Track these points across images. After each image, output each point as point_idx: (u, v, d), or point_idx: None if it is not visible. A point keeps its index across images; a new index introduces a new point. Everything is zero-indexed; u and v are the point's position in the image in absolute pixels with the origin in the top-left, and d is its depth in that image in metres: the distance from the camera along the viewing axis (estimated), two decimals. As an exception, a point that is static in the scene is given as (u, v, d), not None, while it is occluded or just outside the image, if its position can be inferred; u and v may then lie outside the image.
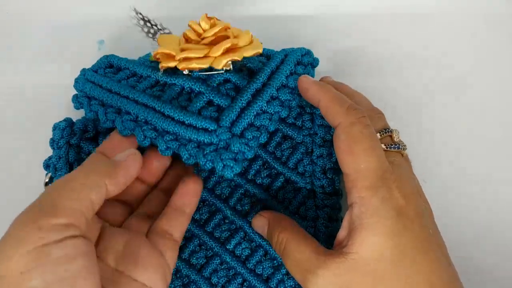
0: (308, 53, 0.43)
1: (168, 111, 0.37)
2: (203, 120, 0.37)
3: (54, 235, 0.25)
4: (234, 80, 0.40)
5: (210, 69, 0.40)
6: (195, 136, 0.36)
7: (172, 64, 0.40)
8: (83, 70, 0.42)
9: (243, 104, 0.38)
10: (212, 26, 0.41)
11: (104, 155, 0.35)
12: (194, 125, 0.37)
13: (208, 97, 0.39)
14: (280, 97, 0.39)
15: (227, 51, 0.40)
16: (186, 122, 0.37)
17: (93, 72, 0.41)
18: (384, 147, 0.37)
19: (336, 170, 0.43)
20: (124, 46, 0.51)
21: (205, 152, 0.35)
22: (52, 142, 0.41)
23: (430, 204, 0.37)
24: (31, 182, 0.42)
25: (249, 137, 0.37)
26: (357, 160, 0.33)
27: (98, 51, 0.52)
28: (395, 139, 0.38)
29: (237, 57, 0.40)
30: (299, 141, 0.44)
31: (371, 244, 0.32)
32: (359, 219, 0.32)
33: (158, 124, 0.37)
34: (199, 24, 0.41)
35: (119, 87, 0.40)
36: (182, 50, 0.40)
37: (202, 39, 0.41)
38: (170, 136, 0.37)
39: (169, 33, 0.46)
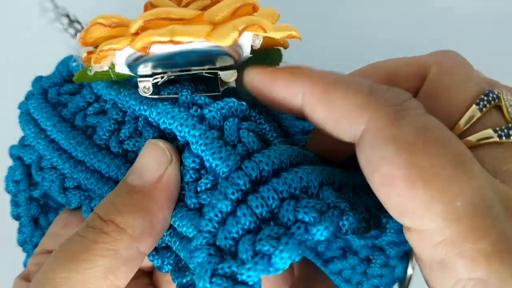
0: None
1: None
2: (186, 222, 0.21)
3: None
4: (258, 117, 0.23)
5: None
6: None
7: (119, 44, 0.18)
8: (36, 81, 0.30)
9: (261, 173, 0.19)
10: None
11: None
12: (177, 230, 0.22)
13: (195, 155, 0.21)
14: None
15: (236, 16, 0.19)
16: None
17: (40, 98, 0.28)
18: (495, 135, 0.20)
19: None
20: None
21: None
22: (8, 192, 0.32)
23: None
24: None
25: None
26: (439, 196, 0.16)
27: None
28: (509, 112, 0.21)
29: (261, 30, 0.19)
30: (353, 248, 0.29)
31: None
32: None
33: None
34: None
35: (65, 136, 0.26)
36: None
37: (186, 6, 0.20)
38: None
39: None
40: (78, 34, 0.23)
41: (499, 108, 0.21)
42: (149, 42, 0.18)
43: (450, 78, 0.21)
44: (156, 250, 0.22)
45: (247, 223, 0.18)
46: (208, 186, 0.20)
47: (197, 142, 0.20)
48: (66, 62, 0.29)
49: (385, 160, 0.17)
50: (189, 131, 0.21)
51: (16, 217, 0.32)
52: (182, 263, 0.22)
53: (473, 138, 0.20)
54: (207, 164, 0.20)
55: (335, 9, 0.46)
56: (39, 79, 0.30)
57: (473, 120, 0.20)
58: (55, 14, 0.24)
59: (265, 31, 0.19)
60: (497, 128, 0.20)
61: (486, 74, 0.23)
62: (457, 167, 0.16)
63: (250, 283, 0.17)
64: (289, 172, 0.19)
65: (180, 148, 0.22)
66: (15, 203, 0.32)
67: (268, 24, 0.19)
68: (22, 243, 0.32)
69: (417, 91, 0.22)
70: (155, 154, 0.21)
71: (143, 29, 0.18)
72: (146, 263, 0.24)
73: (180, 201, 0.21)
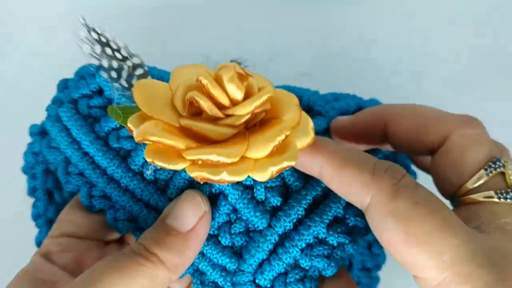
0: None
1: None
2: (221, 255, 0.27)
3: None
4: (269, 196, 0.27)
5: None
6: (210, 272, 0.28)
7: (176, 167, 0.21)
8: (61, 84, 0.30)
9: (285, 229, 0.27)
10: (248, 92, 0.23)
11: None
12: (208, 256, 0.28)
13: (231, 204, 0.27)
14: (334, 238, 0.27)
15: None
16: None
17: (72, 108, 0.29)
18: (495, 196, 0.25)
19: None
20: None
21: None
22: (26, 167, 0.32)
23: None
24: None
25: None
26: (430, 254, 0.22)
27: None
28: (511, 178, 0.26)
29: (291, 160, 0.22)
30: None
31: None
32: None
33: None
34: (223, 88, 0.22)
35: (102, 155, 0.28)
36: (191, 136, 0.22)
37: (227, 116, 0.23)
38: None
39: (144, 72, 0.25)
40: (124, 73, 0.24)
41: (503, 174, 0.25)
42: (202, 178, 0.21)
43: (467, 143, 0.26)
44: None
45: (279, 269, 0.26)
46: (241, 230, 0.27)
47: (236, 199, 0.26)
48: (91, 72, 0.28)
49: (388, 229, 0.23)
50: (229, 189, 0.26)
51: (32, 190, 0.32)
52: (202, 278, 0.29)
53: (478, 196, 0.25)
54: (244, 217, 0.27)
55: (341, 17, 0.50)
56: (64, 83, 0.29)
57: (480, 182, 0.25)
58: (98, 47, 0.24)
59: (294, 163, 0.23)
60: (498, 191, 0.25)
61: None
62: (443, 231, 0.22)
63: None
64: (304, 226, 0.26)
65: (214, 193, 0.27)
66: (32, 176, 0.32)
67: (294, 151, 0.23)
68: (35, 217, 0.33)
69: (437, 145, 0.27)
70: (193, 204, 0.26)
71: (196, 162, 0.21)
72: None
73: (211, 236, 0.27)
